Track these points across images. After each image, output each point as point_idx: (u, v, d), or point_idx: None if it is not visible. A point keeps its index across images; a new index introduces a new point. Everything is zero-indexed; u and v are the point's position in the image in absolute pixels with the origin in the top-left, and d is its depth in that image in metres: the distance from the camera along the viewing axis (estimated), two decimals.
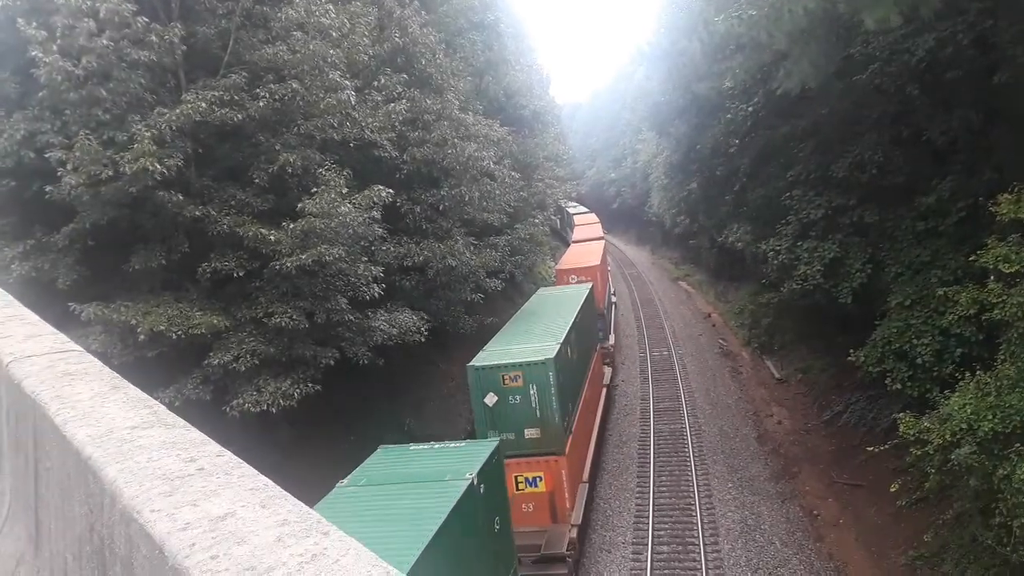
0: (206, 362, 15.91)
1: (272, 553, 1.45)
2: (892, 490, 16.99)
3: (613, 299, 44.78)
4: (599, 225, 57.25)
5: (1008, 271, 13.73)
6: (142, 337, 14.68)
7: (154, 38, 15.65)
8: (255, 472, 1.89)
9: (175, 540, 1.55)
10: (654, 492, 21.64)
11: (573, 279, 32.06)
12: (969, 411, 13.27)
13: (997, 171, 18.00)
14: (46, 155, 14.83)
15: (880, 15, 13.53)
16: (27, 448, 2.97)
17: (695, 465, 23.18)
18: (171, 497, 1.75)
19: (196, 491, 1.77)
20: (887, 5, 13.33)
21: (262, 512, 1.63)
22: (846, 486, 21.07)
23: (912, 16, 14.69)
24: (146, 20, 15.65)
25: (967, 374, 14.57)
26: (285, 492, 1.75)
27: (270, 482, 1.82)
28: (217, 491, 1.77)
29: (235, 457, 2.00)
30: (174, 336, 14.98)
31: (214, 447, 2.09)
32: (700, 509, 20.34)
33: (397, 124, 21.03)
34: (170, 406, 2.62)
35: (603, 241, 45.76)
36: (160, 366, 15.43)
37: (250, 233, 16.30)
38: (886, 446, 16.63)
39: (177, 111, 15.36)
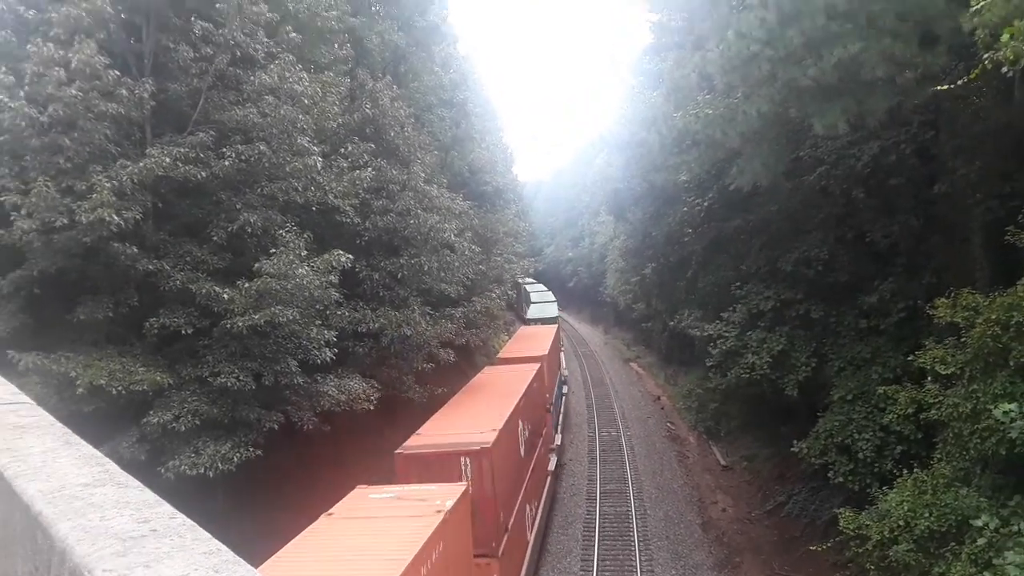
0: (144, 420, 15.42)
1: None
2: None
3: None
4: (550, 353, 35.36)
5: (944, 372, 14.22)
6: (80, 390, 14.21)
7: (124, 92, 15.68)
8: (208, 536, 1.89)
9: None
10: None
11: None
12: (906, 508, 13.51)
13: (936, 275, 18.85)
14: (0, 199, 14.57)
15: (828, 121, 14.29)
16: None
17: (639, 550, 22.93)
18: (124, 558, 1.73)
19: (149, 553, 1.76)
20: (835, 112, 14.10)
21: None
22: None
23: (859, 124, 15.55)
24: (117, 73, 15.71)
25: (905, 471, 14.88)
26: (239, 558, 1.76)
27: (223, 547, 1.82)
28: (170, 553, 1.76)
29: (188, 520, 2.00)
30: (114, 391, 14.53)
31: (167, 508, 2.08)
32: None
33: (361, 191, 21.22)
34: None
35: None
36: (96, 422, 14.86)
37: (203, 290, 16.09)
38: (828, 544, 16.74)
39: (140, 164, 15.30)
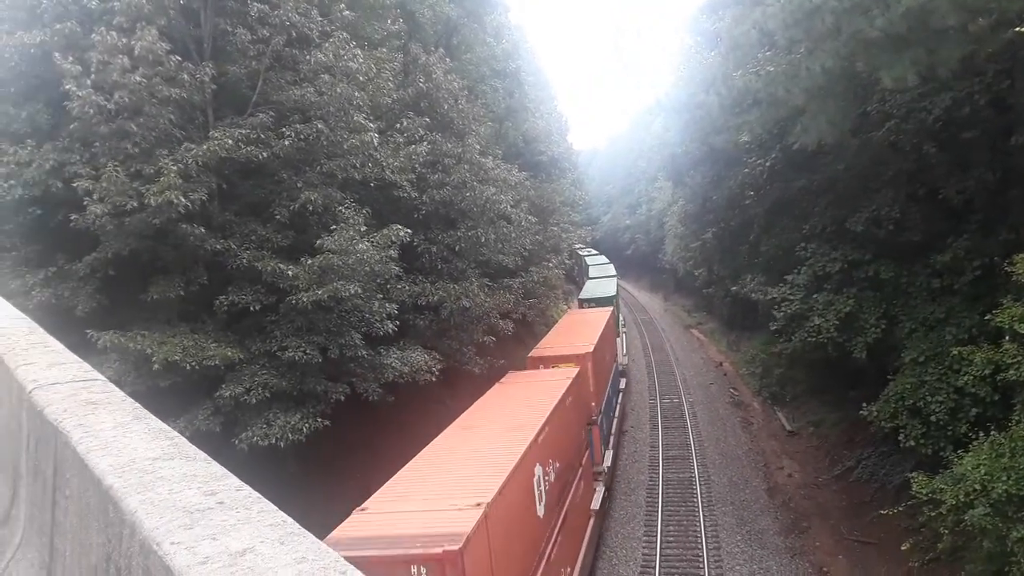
0: (218, 394, 15.97)
1: None
2: (904, 549, 16.71)
3: None
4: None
5: (1023, 331, 13.67)
6: (156, 367, 14.78)
7: (186, 76, 16.05)
8: (274, 508, 1.91)
9: (194, 574, 1.57)
10: (661, 542, 21.31)
11: None
12: (983, 472, 13.13)
13: (1013, 231, 18.02)
14: (74, 185, 15.12)
15: (897, 74, 13.70)
16: (46, 475, 3.02)
17: (704, 516, 22.84)
18: (191, 530, 1.77)
19: (216, 525, 1.79)
20: (904, 64, 13.51)
21: (281, 549, 1.65)
22: (857, 543, 20.69)
23: (929, 75, 14.86)
24: (179, 59, 16.08)
25: (981, 434, 14.43)
26: (303, 529, 1.76)
27: (289, 518, 1.84)
28: (236, 526, 1.79)
29: (254, 492, 2.02)
30: (188, 367, 15.07)
31: (234, 481, 2.11)
32: (708, 562, 20.00)
33: (417, 166, 21.34)
34: None
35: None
36: (172, 396, 15.49)
37: (268, 267, 16.49)
38: (900, 508, 16.39)
39: (204, 147, 15.68)
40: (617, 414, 30.19)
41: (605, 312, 34.35)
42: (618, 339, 37.72)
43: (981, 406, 16.91)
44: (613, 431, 27.48)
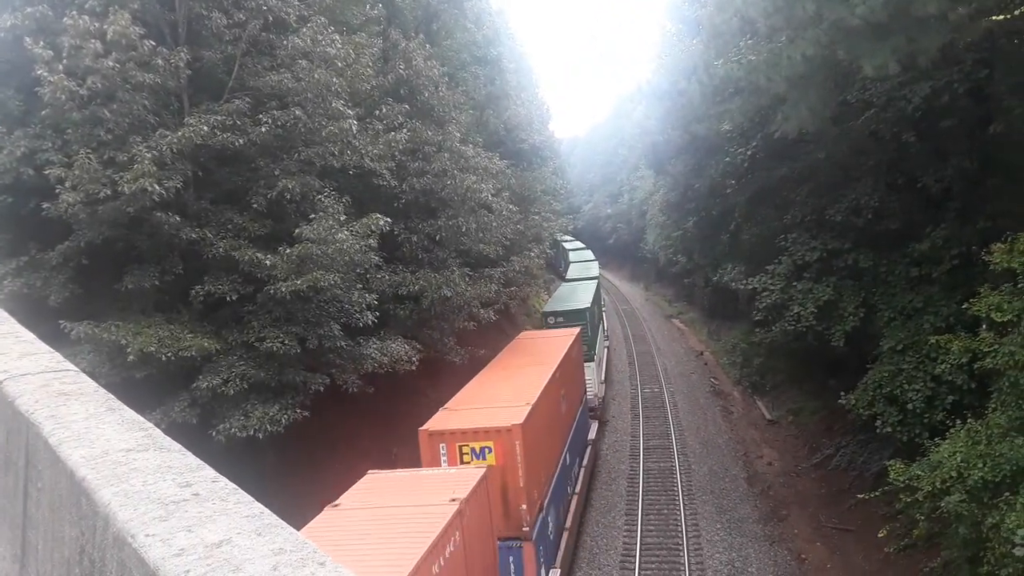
0: (194, 385, 15.77)
1: None
2: (881, 536, 16.92)
3: None
4: None
5: (1000, 320, 13.82)
6: (131, 358, 14.55)
7: (160, 61, 15.75)
8: (251, 499, 1.87)
9: (170, 566, 1.52)
10: (642, 531, 21.43)
11: None
12: (959, 459, 13.27)
13: (991, 220, 18.21)
14: (45, 172, 14.82)
15: (878, 63, 13.75)
16: (18, 467, 2.94)
17: (684, 504, 22.98)
18: (166, 522, 1.72)
19: (191, 517, 1.75)
20: (885, 53, 13.55)
21: (258, 540, 1.61)
22: (835, 530, 20.94)
23: (909, 64, 14.93)
24: (153, 43, 15.76)
25: (958, 422, 14.60)
26: (281, 520, 1.73)
27: (266, 509, 1.80)
28: (212, 517, 1.74)
29: (230, 483, 1.98)
30: (164, 358, 14.86)
31: (209, 472, 2.07)
32: (688, 550, 20.13)
33: (397, 154, 21.16)
34: None
35: None
36: (148, 387, 15.28)
37: (246, 257, 16.28)
38: (877, 493, 16.57)
39: (179, 134, 15.41)
40: (580, 486, 22.05)
41: (569, 336, 25.86)
42: (591, 364, 29.42)
43: (958, 394, 17.12)
44: (569, 523, 19.51)
